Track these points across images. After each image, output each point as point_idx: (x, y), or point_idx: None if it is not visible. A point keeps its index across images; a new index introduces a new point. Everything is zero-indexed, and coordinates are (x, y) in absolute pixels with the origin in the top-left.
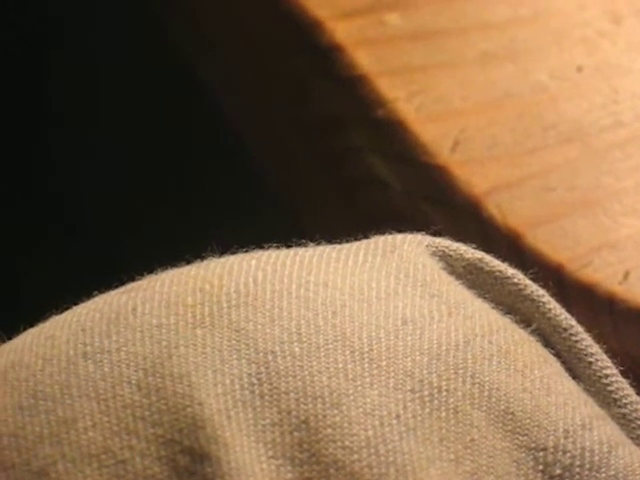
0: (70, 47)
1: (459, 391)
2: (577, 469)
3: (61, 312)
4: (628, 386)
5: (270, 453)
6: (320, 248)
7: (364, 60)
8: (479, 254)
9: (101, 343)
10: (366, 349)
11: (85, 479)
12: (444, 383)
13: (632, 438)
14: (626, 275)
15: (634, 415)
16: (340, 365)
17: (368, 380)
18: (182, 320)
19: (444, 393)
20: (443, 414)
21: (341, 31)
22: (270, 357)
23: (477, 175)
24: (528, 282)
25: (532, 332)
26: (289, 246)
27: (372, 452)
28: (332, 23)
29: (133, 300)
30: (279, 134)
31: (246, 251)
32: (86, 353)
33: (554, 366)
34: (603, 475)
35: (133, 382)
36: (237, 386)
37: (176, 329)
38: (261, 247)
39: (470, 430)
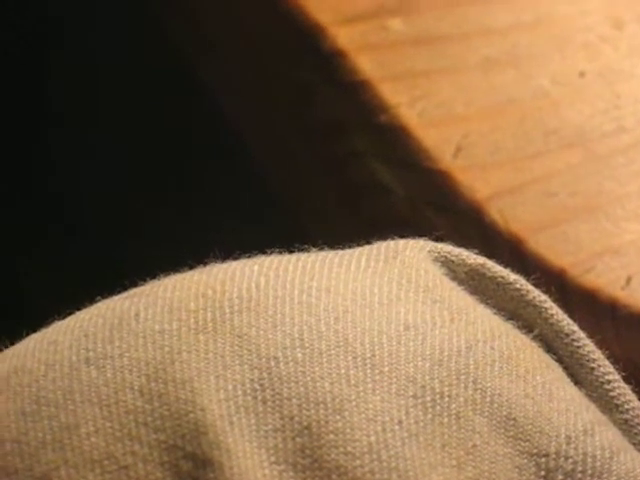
0: (70, 47)
1: (461, 397)
2: (579, 475)
3: (64, 317)
4: (630, 392)
5: (272, 459)
6: (322, 253)
7: (366, 65)
8: (481, 259)
9: (104, 349)
10: (368, 355)
11: None
12: (446, 389)
13: (634, 444)
14: (628, 280)
15: (636, 421)
16: (342, 371)
17: (370, 386)
18: (185, 326)
19: (446, 399)
20: (445, 420)
21: (343, 36)
22: (272, 363)
23: (479, 180)
24: (530, 288)
25: (534, 338)
26: (291, 251)
27: (374, 458)
28: (334, 28)
29: (136, 306)
30: (279, 135)
31: (248, 255)
32: (89, 359)
33: (556, 372)
34: None
35: (136, 388)
36: (239, 392)
37: (179, 335)
38: (262, 249)
39: (472, 436)
